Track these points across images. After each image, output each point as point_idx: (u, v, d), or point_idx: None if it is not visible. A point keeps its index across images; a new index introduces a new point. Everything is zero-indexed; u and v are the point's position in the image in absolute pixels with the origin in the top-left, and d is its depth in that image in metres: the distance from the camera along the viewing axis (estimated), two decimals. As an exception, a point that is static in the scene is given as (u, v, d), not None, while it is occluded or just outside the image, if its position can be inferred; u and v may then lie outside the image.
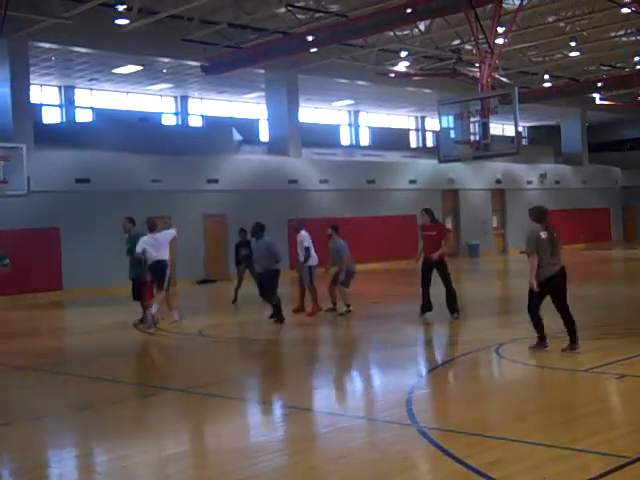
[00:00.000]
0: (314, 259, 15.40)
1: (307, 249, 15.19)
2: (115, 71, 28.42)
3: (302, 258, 15.29)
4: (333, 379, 9.65)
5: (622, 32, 29.23)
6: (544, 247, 9.82)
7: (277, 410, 8.20)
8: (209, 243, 26.43)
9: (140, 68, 28.05)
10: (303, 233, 15.48)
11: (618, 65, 35.26)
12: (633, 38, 30.22)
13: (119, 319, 16.70)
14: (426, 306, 13.87)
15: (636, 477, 5.32)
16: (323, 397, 8.64)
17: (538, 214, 10.09)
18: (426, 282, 13.77)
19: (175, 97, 34.03)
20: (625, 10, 24.70)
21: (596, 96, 38.06)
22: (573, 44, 29.16)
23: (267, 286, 14.28)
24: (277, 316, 14.25)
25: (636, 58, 32.92)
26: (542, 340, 10.20)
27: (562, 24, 27.67)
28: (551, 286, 9.86)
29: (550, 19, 27.07)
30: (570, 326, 9.97)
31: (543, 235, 9.88)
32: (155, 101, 33.59)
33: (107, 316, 17.78)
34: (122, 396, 8.83)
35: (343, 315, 14.84)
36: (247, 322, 15.54)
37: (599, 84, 34.54)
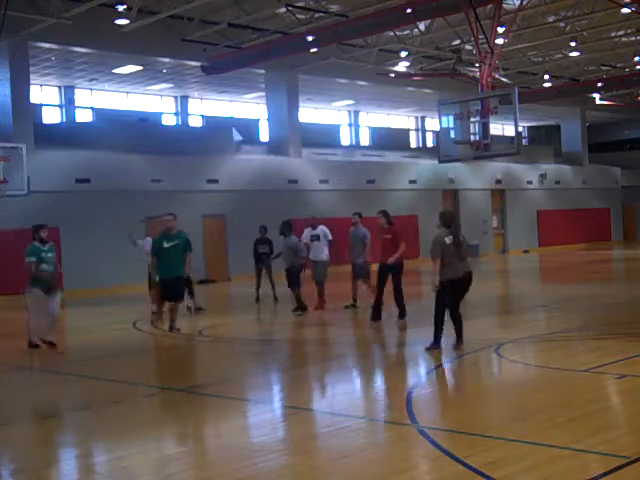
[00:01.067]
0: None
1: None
2: (115, 71, 28.42)
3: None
4: (333, 379, 9.64)
5: (622, 32, 29.24)
6: (449, 251, 10.21)
7: (277, 410, 8.20)
8: (209, 243, 26.42)
9: (140, 68, 28.06)
10: (321, 228, 16.74)
11: (618, 65, 35.27)
12: (633, 38, 30.24)
13: (119, 319, 16.72)
14: (377, 314, 13.60)
15: (636, 477, 5.32)
16: (323, 397, 8.64)
17: (446, 219, 10.50)
18: (382, 286, 13.55)
19: (175, 97, 34.03)
20: (625, 10, 24.71)
21: (596, 96, 38.07)
22: (573, 44, 29.18)
23: (293, 280, 15.27)
24: (300, 308, 15.28)
25: (636, 58, 32.91)
26: (437, 342, 10.45)
27: (562, 24, 27.69)
28: (456, 288, 10.29)
29: (550, 19, 27.09)
30: (458, 326, 10.50)
31: (448, 240, 10.27)
32: (155, 101, 33.59)
33: (107, 316, 17.79)
34: (122, 396, 8.82)
35: (348, 308, 15.42)
36: (247, 322, 15.54)
37: (599, 84, 34.56)
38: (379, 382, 9.55)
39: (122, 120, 29.81)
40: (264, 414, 7.90)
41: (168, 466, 6.17)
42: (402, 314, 13.65)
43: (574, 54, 31.58)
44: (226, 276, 25.64)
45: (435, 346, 10.45)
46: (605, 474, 5.29)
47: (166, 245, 13.24)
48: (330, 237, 16.24)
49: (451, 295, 10.35)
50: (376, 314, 13.51)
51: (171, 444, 6.86)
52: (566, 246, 38.17)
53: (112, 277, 23.78)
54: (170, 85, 31.85)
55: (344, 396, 8.51)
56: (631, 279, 23.24)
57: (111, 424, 7.55)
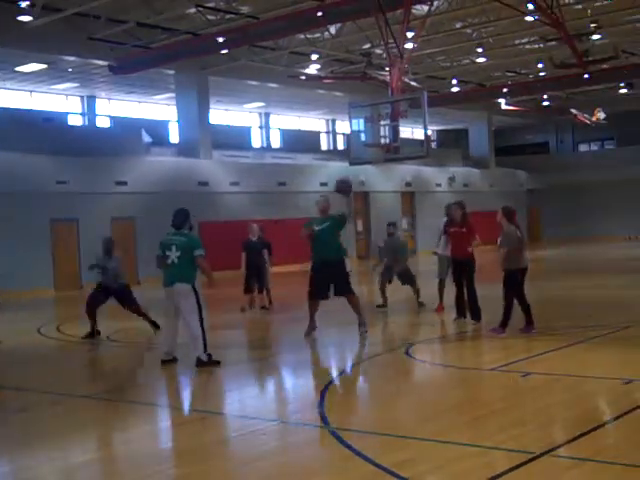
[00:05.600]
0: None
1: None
2: (18, 69, 27.54)
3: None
4: (244, 382, 9.56)
5: (526, 40, 30.07)
6: (519, 243, 11.42)
7: (188, 415, 8.07)
8: (117, 246, 25.83)
9: (44, 66, 27.27)
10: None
11: (522, 71, 36.28)
12: (537, 45, 31.12)
13: (24, 325, 16.22)
14: (461, 309, 12.94)
15: (541, 472, 5.44)
16: (234, 401, 8.55)
17: (510, 214, 11.53)
18: (459, 280, 12.93)
19: (81, 97, 33.23)
20: (529, 18, 25.39)
21: (502, 101, 39.06)
22: (480, 50, 29.84)
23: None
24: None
25: (539, 65, 33.90)
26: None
27: (469, 30, 28.29)
28: (523, 276, 11.35)
29: (457, 25, 27.63)
30: (528, 310, 11.30)
31: (518, 233, 11.48)
32: (60, 101, 32.74)
33: (11, 322, 17.23)
34: (26, 404, 8.53)
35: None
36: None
37: (504, 89, 35.48)
38: (290, 384, 9.53)
39: (25, 120, 28.90)
40: (174, 419, 7.77)
41: (75, 475, 6.00)
42: (476, 316, 12.51)
43: (480, 60, 32.32)
44: (135, 280, 25.17)
45: (502, 330, 11.02)
46: (512, 469, 5.39)
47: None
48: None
49: (519, 282, 11.13)
50: (460, 310, 12.80)
51: (78, 452, 6.66)
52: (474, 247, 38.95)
53: (15, 281, 23.07)
54: (76, 84, 31.08)
55: (255, 399, 8.45)
56: (535, 279, 23.86)
57: (15, 433, 7.28)
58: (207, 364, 9.77)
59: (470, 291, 12.45)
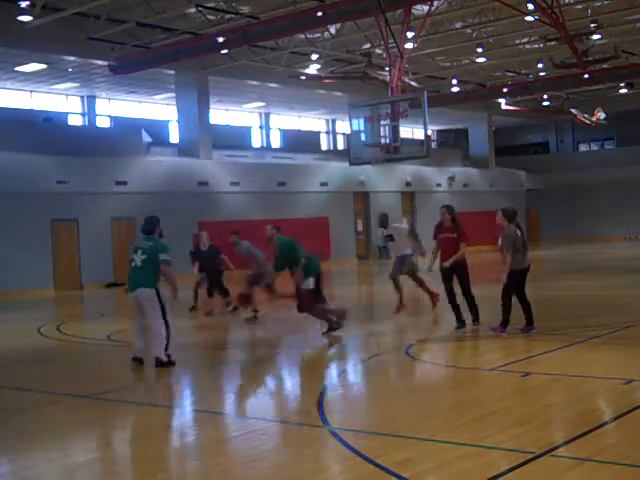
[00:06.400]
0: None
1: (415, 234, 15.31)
2: (18, 69, 27.54)
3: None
4: (244, 382, 9.56)
5: (526, 39, 30.06)
6: (519, 244, 11.18)
7: (187, 415, 8.07)
8: (118, 246, 25.91)
9: (44, 66, 27.26)
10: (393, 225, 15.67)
11: (522, 71, 36.27)
12: (536, 46, 31.11)
13: (24, 324, 16.22)
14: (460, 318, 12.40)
15: (541, 471, 5.44)
16: (234, 400, 8.55)
17: (510, 215, 11.34)
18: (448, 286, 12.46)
19: (81, 97, 33.22)
20: (529, 18, 25.38)
21: (502, 101, 39.04)
22: (480, 50, 29.83)
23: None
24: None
25: (539, 65, 33.89)
26: (505, 325, 11.08)
27: (469, 30, 28.28)
28: (523, 277, 11.25)
29: (457, 25, 27.62)
30: (529, 310, 11.29)
31: (518, 233, 11.22)
32: (60, 101, 32.73)
33: (11, 322, 17.24)
34: (24, 404, 8.53)
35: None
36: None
37: (504, 89, 35.45)
38: (290, 384, 9.52)
39: (25, 120, 28.90)
40: (174, 419, 7.76)
41: (75, 475, 5.99)
42: (476, 318, 12.18)
43: (480, 60, 32.31)
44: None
45: (503, 329, 11.02)
46: (512, 469, 5.39)
47: None
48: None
49: (517, 283, 11.06)
50: (460, 318, 12.13)
51: (78, 452, 6.65)
52: (474, 247, 38.94)
53: (15, 281, 23.08)
54: (76, 84, 31.08)
55: (255, 399, 8.44)
56: (534, 279, 23.85)
57: (14, 433, 7.28)
58: (166, 364, 9.85)
59: (467, 296, 12.16)
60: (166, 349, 9.90)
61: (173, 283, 10.01)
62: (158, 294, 9.90)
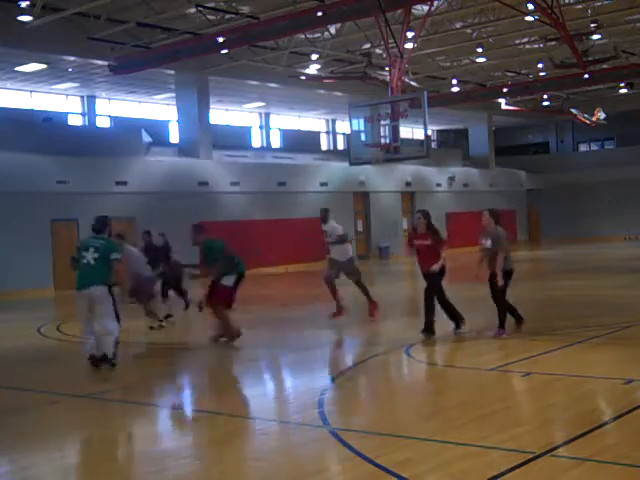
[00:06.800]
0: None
1: (342, 236, 13.94)
2: (18, 69, 27.54)
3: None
4: (244, 382, 9.56)
5: (526, 39, 30.06)
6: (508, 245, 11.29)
7: (187, 415, 8.07)
8: (117, 246, 25.85)
9: (44, 66, 27.26)
10: (332, 223, 14.20)
11: (523, 71, 36.27)
12: (536, 46, 31.11)
13: (24, 324, 16.21)
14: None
15: (541, 471, 5.44)
16: (234, 401, 8.55)
17: (497, 216, 11.34)
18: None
19: (81, 97, 33.22)
20: (529, 18, 25.38)
21: (502, 101, 39.05)
22: (480, 50, 29.83)
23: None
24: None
25: (539, 65, 33.90)
26: (503, 326, 11.08)
27: (469, 30, 28.28)
28: (510, 277, 11.23)
29: (457, 25, 27.62)
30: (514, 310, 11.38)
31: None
32: (60, 101, 32.73)
33: (11, 321, 17.23)
34: (24, 404, 8.52)
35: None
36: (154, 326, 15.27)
37: (505, 89, 35.46)
38: (290, 384, 9.52)
39: (25, 120, 28.90)
40: (173, 419, 7.76)
41: (74, 475, 5.99)
42: (458, 323, 11.71)
43: (481, 60, 32.32)
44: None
45: (502, 332, 10.97)
46: (511, 469, 5.39)
47: None
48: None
49: (506, 283, 11.08)
50: (429, 326, 11.56)
51: (77, 452, 6.65)
52: (474, 247, 38.89)
53: (15, 281, 23.07)
54: (76, 84, 31.08)
55: (255, 399, 8.44)
56: (535, 279, 23.89)
57: (14, 433, 7.28)
58: (110, 362, 9.95)
59: (442, 303, 11.61)
60: (115, 348, 10.03)
61: (123, 281, 10.21)
62: (110, 292, 10.03)
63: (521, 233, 45.42)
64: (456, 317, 11.66)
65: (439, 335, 11.41)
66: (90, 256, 9.99)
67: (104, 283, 9.94)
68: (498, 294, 11.11)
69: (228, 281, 11.60)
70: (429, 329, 11.46)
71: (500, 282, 10.95)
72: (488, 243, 11.14)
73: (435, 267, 11.32)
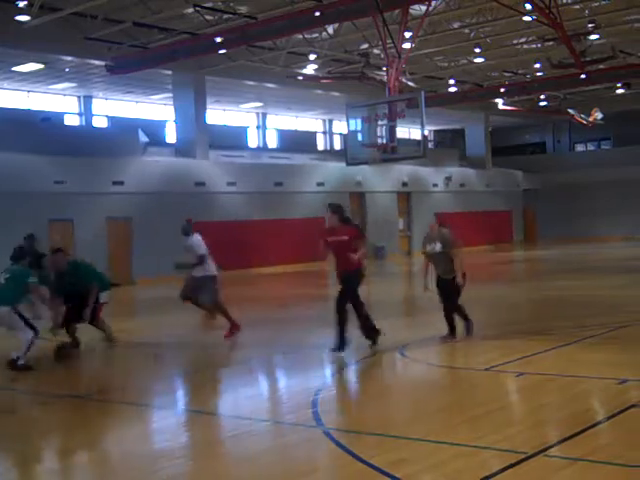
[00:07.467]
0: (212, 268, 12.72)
1: (202, 257, 12.51)
2: (15, 69, 27.52)
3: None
4: (238, 382, 9.56)
5: (524, 40, 30.06)
6: None
7: (180, 415, 8.08)
8: (113, 246, 25.86)
9: (41, 66, 27.25)
10: (195, 237, 12.82)
11: (520, 72, 36.27)
12: (534, 46, 31.11)
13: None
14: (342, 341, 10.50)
15: (533, 471, 5.46)
16: (227, 401, 8.56)
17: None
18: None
19: (78, 97, 33.21)
20: (527, 18, 25.38)
21: (499, 101, 39.07)
22: (477, 50, 29.84)
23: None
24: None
25: (537, 65, 33.91)
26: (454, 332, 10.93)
27: (467, 30, 28.29)
28: None
29: (455, 25, 27.63)
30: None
31: None
32: (58, 101, 32.72)
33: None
34: (15, 405, 8.53)
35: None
36: (151, 326, 15.30)
37: (502, 90, 35.46)
38: (284, 384, 9.54)
39: (23, 119, 28.88)
40: (167, 419, 7.77)
41: (69, 477, 6.00)
42: (369, 335, 10.68)
43: (478, 60, 32.31)
44: (130, 280, 25.22)
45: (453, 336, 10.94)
46: (504, 469, 5.41)
47: None
48: (201, 251, 12.64)
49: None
50: (342, 341, 10.39)
51: (70, 454, 6.66)
52: (470, 247, 38.96)
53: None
54: (73, 84, 31.07)
55: (249, 399, 8.45)
56: (531, 279, 23.94)
57: (4, 434, 7.29)
58: (20, 367, 10.10)
59: (357, 310, 10.53)
60: (25, 353, 10.18)
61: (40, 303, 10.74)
62: (15, 309, 10.34)
63: (517, 233, 45.44)
64: (372, 333, 10.60)
65: (434, 335, 11.39)
66: (2, 277, 10.44)
67: (8, 303, 10.28)
68: (452, 296, 10.82)
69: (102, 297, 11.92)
70: (341, 345, 10.29)
71: (460, 281, 10.71)
72: (438, 247, 10.91)
73: (354, 257, 10.19)
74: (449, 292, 10.89)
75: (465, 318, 11.14)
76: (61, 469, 6.16)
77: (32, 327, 10.34)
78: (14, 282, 10.34)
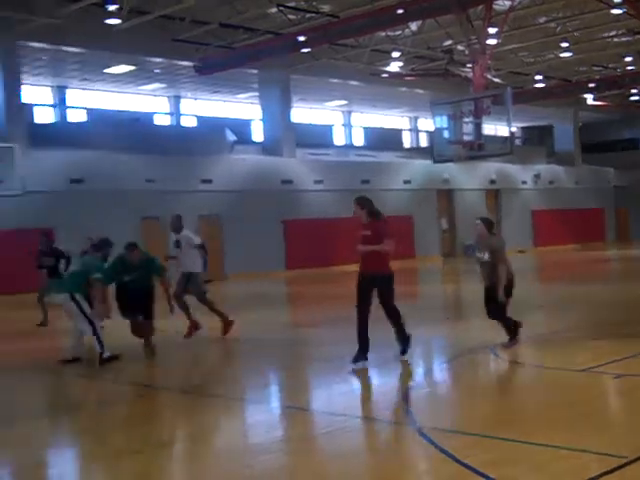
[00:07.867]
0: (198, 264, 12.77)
1: (202, 244, 12.91)
2: (107, 71, 28.36)
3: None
4: (330, 379, 9.59)
5: (613, 33, 29.32)
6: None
7: (275, 410, 8.16)
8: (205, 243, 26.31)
9: (132, 68, 28.00)
10: (186, 232, 12.96)
11: (610, 66, 35.36)
12: (624, 39, 30.31)
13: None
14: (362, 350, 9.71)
15: (634, 477, 5.31)
16: (321, 397, 8.60)
17: (491, 224, 10.93)
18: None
19: (168, 97, 33.98)
20: (616, 11, 24.75)
21: (588, 96, 38.15)
22: (564, 45, 29.24)
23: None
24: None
25: (627, 59, 32.99)
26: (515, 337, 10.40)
27: (553, 25, 27.75)
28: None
29: (541, 20, 27.13)
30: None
31: None
32: (148, 101, 33.52)
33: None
34: (114, 397, 8.77)
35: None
36: (246, 322, 15.48)
37: (591, 85, 34.66)
38: (377, 382, 9.52)
39: (115, 120, 29.72)
40: (262, 414, 7.86)
41: (165, 469, 6.13)
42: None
43: (565, 55, 31.65)
44: (222, 276, 25.64)
45: (514, 342, 10.36)
46: (604, 474, 5.27)
47: None
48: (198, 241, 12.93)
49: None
50: (361, 352, 9.67)
51: (165, 446, 6.80)
52: (560, 246, 38.24)
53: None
54: (163, 85, 31.80)
55: (342, 396, 8.47)
56: (626, 279, 23.27)
57: (100, 425, 7.51)
58: (107, 360, 10.43)
59: (366, 316, 9.97)
60: (102, 345, 10.48)
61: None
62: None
63: (609, 232, 44.28)
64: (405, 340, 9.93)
65: (528, 334, 11.21)
66: None
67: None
68: (499, 309, 10.35)
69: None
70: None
71: (501, 297, 10.16)
72: (486, 256, 10.47)
73: (380, 247, 9.91)
74: (487, 300, 10.48)
75: (511, 327, 10.51)
76: (158, 460, 6.30)
77: (90, 321, 10.48)
78: (79, 272, 10.83)
